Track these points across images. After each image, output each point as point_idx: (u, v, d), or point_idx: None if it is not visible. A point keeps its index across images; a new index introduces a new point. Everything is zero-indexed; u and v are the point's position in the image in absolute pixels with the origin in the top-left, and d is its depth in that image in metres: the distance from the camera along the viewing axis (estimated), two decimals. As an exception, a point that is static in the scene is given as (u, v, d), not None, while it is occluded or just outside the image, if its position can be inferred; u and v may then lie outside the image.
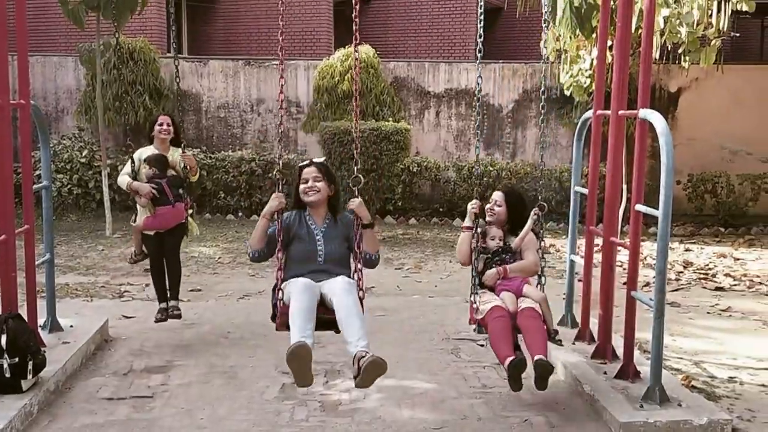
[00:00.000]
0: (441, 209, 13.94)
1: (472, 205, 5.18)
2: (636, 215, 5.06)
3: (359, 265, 4.44)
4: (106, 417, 4.72)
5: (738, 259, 10.32)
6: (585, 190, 6.00)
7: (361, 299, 4.34)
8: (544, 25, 5.84)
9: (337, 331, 4.34)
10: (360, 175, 4.47)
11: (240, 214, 13.47)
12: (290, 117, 14.71)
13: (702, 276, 9.17)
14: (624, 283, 5.18)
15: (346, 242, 4.62)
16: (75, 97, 14.46)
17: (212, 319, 7.02)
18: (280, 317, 4.34)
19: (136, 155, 6.32)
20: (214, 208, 13.61)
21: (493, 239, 5.26)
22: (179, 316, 6.38)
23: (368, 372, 3.86)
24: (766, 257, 10.57)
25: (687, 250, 10.92)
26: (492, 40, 22.24)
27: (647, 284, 8.08)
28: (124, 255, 10.04)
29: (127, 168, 6.29)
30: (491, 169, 13.29)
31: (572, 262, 6.33)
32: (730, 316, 7.43)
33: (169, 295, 6.40)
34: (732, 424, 4.53)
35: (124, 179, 6.31)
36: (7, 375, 4.63)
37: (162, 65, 14.18)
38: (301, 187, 4.60)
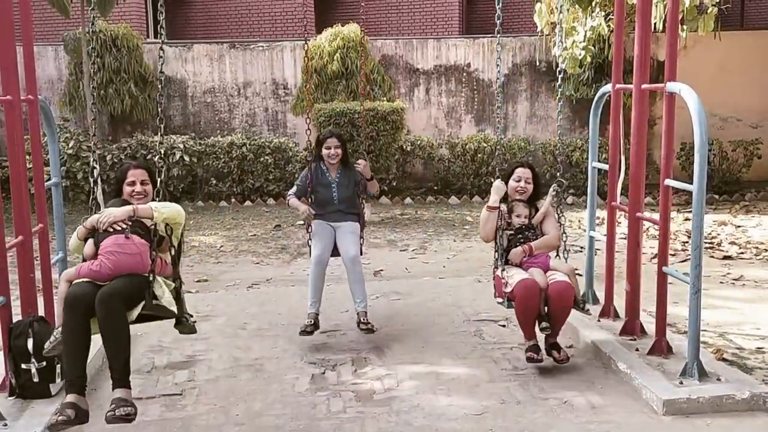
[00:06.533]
0: (435, 187, 13.85)
1: (501, 187, 5.32)
2: (665, 190, 5.01)
3: (363, 205, 6.51)
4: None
5: (739, 227, 10.35)
6: (604, 166, 5.95)
7: (361, 244, 6.18)
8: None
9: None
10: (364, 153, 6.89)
11: (233, 200, 13.26)
12: (278, 99, 14.52)
13: (708, 245, 9.18)
14: (652, 259, 5.13)
15: (353, 186, 6.20)
16: (57, 87, 14.15)
17: (226, 310, 6.91)
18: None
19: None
20: (206, 195, 13.40)
21: (519, 216, 5.37)
22: (128, 418, 3.84)
23: (362, 331, 5.79)
24: (766, 223, 10.61)
25: (686, 219, 10.93)
26: (476, 14, 22.10)
27: (654, 256, 8.05)
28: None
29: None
30: (485, 145, 13.22)
31: (591, 238, 6.28)
32: (744, 285, 7.44)
33: (111, 380, 3.92)
34: (773, 397, 4.52)
35: (75, 236, 4.45)
36: (36, 380, 4.51)
37: (145, 51, 13.91)
38: (325, 152, 6.18)
